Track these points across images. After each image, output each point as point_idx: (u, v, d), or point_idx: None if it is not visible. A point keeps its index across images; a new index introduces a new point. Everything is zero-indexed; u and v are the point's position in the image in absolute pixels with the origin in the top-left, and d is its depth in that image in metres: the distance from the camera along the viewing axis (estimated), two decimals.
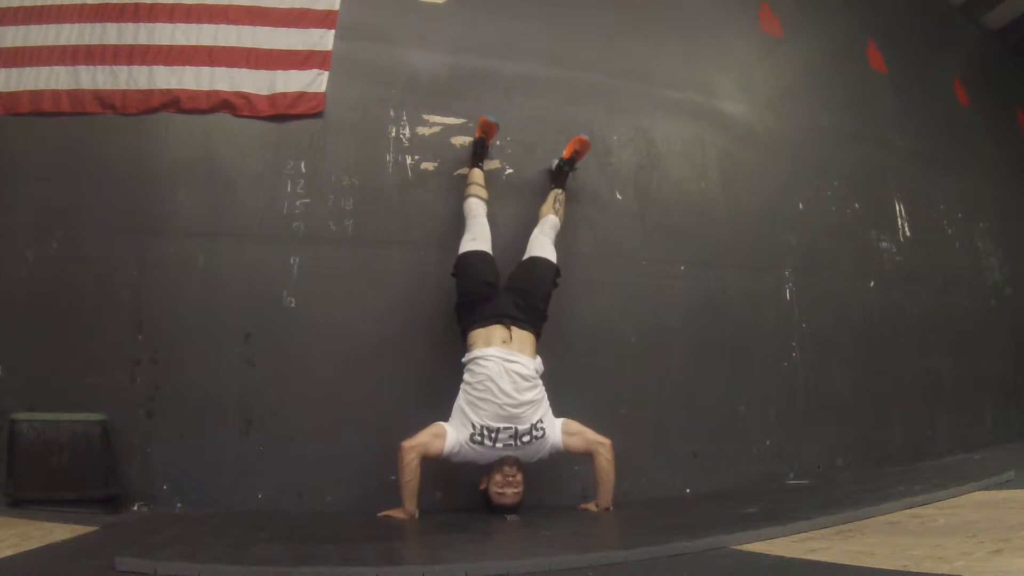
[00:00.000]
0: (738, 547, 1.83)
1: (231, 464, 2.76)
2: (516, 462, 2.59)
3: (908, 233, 4.37)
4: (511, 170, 3.31)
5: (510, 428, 2.55)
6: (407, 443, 2.50)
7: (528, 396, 2.60)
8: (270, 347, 2.88)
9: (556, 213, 3.14)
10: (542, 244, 3.04)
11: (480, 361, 2.62)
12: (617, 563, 1.70)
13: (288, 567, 1.67)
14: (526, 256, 3.02)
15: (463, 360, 2.69)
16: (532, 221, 3.16)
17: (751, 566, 1.67)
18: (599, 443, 2.64)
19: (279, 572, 1.65)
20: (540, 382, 2.68)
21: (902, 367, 4.12)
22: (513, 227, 3.18)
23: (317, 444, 2.83)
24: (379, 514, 2.55)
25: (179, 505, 2.69)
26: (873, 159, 4.35)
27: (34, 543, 1.89)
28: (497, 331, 2.72)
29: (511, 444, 2.55)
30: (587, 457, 2.68)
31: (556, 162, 3.29)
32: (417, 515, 2.53)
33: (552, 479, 2.94)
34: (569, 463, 2.91)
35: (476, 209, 3.05)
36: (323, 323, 2.94)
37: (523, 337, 2.74)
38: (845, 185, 4.16)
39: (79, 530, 2.11)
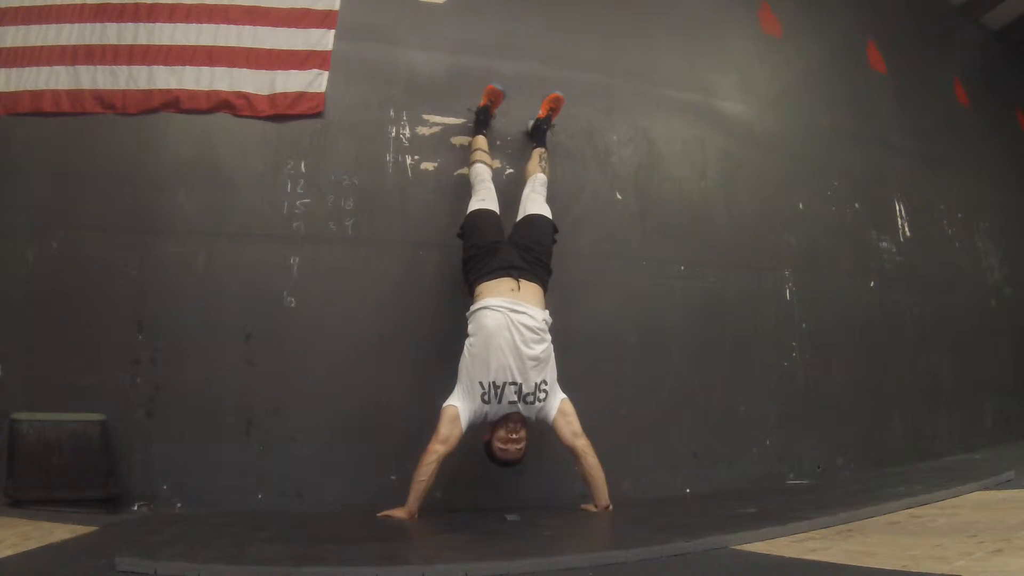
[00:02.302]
0: (738, 547, 1.83)
1: (231, 464, 2.76)
2: (520, 419, 2.56)
3: (908, 233, 4.38)
4: (511, 170, 3.31)
5: (515, 384, 2.53)
6: (434, 445, 2.48)
7: (535, 350, 2.57)
8: (270, 347, 2.88)
9: (543, 170, 3.15)
10: (535, 201, 3.04)
11: (485, 311, 2.59)
12: (617, 563, 1.70)
13: (288, 567, 1.67)
14: (521, 215, 3.02)
15: (468, 312, 2.66)
16: None
17: (751, 566, 1.67)
18: (580, 439, 2.59)
19: (279, 572, 1.65)
20: (548, 337, 2.65)
21: (902, 367, 4.12)
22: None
23: (317, 444, 2.83)
24: (379, 514, 2.55)
25: (179, 505, 2.69)
26: (873, 159, 4.35)
27: (34, 543, 1.89)
28: (505, 282, 2.70)
29: (515, 402, 2.54)
30: (571, 454, 2.64)
31: (532, 122, 3.31)
32: (417, 515, 2.52)
33: (552, 479, 2.95)
34: (569, 463, 2.90)
35: (483, 174, 3.06)
36: (323, 323, 2.94)
37: (531, 288, 2.72)
38: (845, 185, 4.16)
39: (79, 530, 2.11)
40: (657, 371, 3.37)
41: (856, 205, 4.18)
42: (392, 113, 3.21)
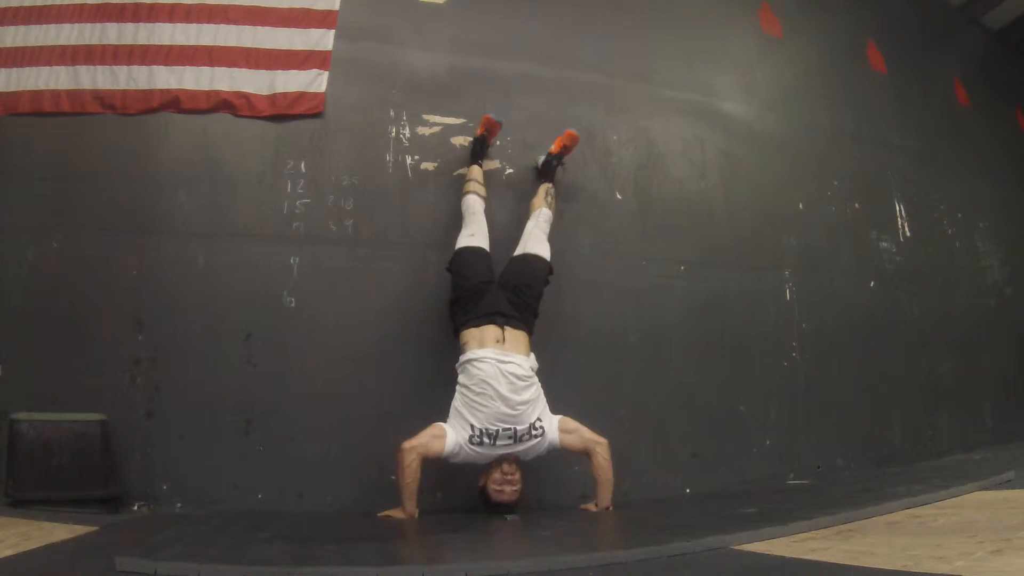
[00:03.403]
0: (738, 547, 1.83)
1: (231, 464, 2.76)
2: (515, 460, 2.59)
3: (908, 233, 4.38)
4: (511, 170, 3.31)
5: (509, 429, 2.55)
6: (407, 444, 2.50)
7: (525, 396, 2.60)
8: (270, 347, 2.88)
9: (549, 206, 3.13)
10: (537, 239, 3.03)
11: (475, 363, 2.62)
12: (617, 563, 1.70)
13: (288, 567, 1.67)
14: (519, 251, 3.01)
15: (457, 363, 2.68)
16: None
17: (751, 566, 1.67)
18: (596, 442, 2.64)
19: (279, 572, 1.65)
20: (536, 380, 2.67)
21: (902, 367, 4.12)
22: (513, 226, 3.17)
23: (317, 444, 2.83)
24: (379, 514, 2.55)
25: (179, 505, 2.69)
26: (873, 159, 4.35)
27: (34, 543, 1.89)
28: (490, 331, 2.70)
29: (510, 443, 2.55)
30: (584, 456, 2.67)
31: (543, 157, 3.28)
32: (417, 515, 2.52)
33: (552, 479, 2.95)
34: (569, 463, 2.91)
35: (475, 206, 3.04)
36: (323, 323, 2.94)
37: (516, 336, 2.73)
38: (845, 185, 4.16)
39: (79, 530, 2.11)
40: (657, 371, 3.37)
41: (856, 205, 4.18)
42: (392, 113, 3.21)
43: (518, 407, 2.57)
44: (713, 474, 3.34)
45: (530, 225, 3.08)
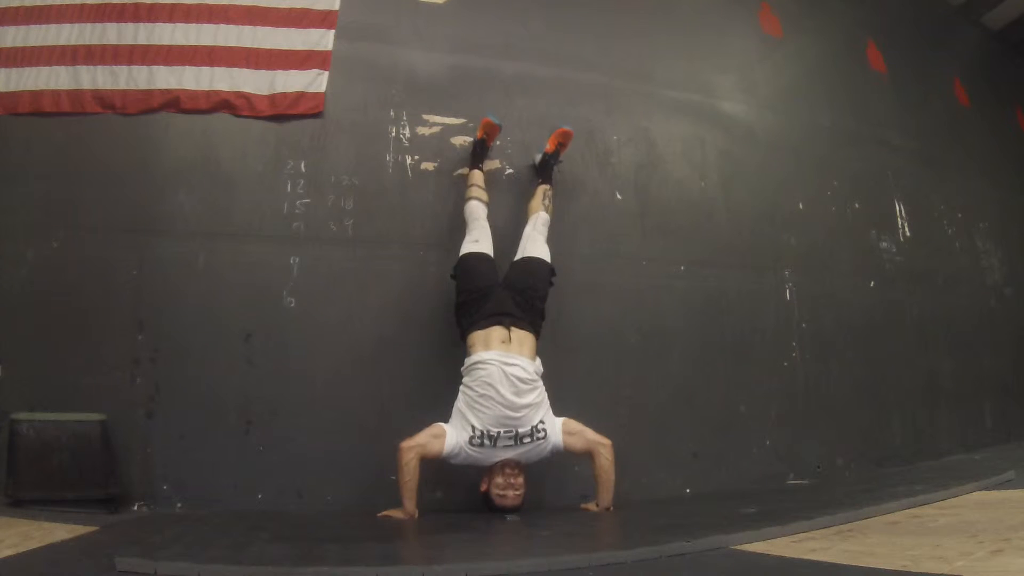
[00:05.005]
0: (738, 547, 1.83)
1: (231, 464, 2.76)
2: (517, 464, 2.59)
3: (908, 233, 4.38)
4: (511, 170, 3.31)
5: (510, 431, 2.54)
6: (406, 443, 2.50)
7: (528, 399, 2.59)
8: (270, 347, 2.88)
9: (546, 209, 3.12)
10: (536, 242, 3.02)
11: (480, 365, 2.61)
12: (617, 563, 1.70)
13: (288, 567, 1.67)
14: (519, 256, 3.00)
15: (463, 367, 2.68)
16: None
17: (751, 566, 1.67)
18: (599, 443, 2.63)
19: (279, 572, 1.65)
20: (540, 384, 2.67)
21: (902, 367, 4.12)
22: (513, 227, 3.17)
23: (317, 444, 2.83)
24: (379, 514, 2.55)
25: (179, 505, 2.69)
26: (873, 159, 4.35)
27: (34, 543, 1.89)
28: (496, 332, 2.70)
29: (511, 446, 2.55)
30: (587, 457, 2.67)
31: (540, 156, 3.26)
32: (417, 515, 2.52)
33: (552, 479, 2.95)
34: (569, 463, 2.91)
35: (477, 211, 3.03)
36: (323, 323, 2.94)
37: (522, 338, 2.72)
38: (845, 185, 4.16)
39: (79, 530, 2.11)
40: (657, 371, 3.37)
41: (856, 205, 4.18)
42: (392, 113, 3.21)
43: (520, 410, 2.56)
44: (713, 474, 3.34)
45: (528, 229, 3.07)
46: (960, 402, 4.33)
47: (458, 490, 2.82)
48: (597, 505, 2.68)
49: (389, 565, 1.74)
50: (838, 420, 3.77)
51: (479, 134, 3.16)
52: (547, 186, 3.19)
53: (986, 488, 2.58)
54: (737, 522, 2.19)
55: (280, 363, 2.87)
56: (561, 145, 3.23)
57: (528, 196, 3.22)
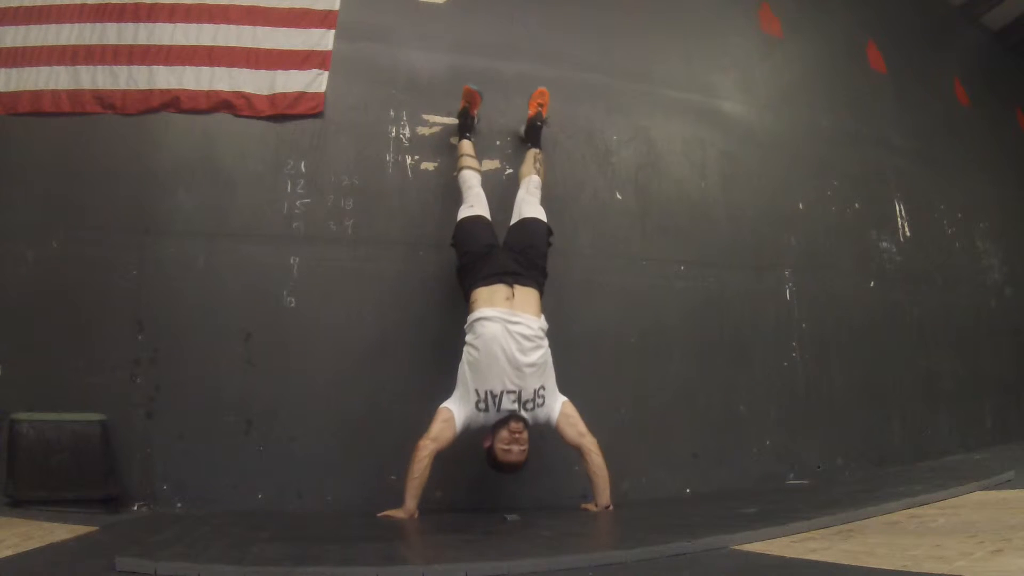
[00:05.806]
0: (738, 547, 1.83)
1: (231, 464, 2.76)
2: (522, 419, 2.55)
3: (908, 233, 4.38)
4: (511, 170, 3.31)
5: (514, 392, 2.53)
6: (424, 441, 2.48)
7: (532, 357, 2.57)
8: (270, 347, 2.88)
9: (538, 172, 3.12)
10: (530, 204, 3.02)
11: (483, 322, 2.60)
12: (617, 563, 1.70)
13: (288, 567, 1.67)
14: (516, 219, 3.01)
15: (466, 323, 2.66)
16: None
17: (751, 566, 1.67)
18: (585, 436, 2.61)
19: (279, 572, 1.64)
20: (545, 342, 2.65)
21: (902, 367, 4.12)
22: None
23: (317, 444, 2.83)
24: (379, 514, 2.54)
25: (179, 505, 2.69)
26: (873, 159, 4.35)
27: (34, 543, 1.89)
28: (500, 290, 2.68)
29: (514, 408, 2.54)
30: (577, 452, 2.65)
31: (525, 124, 3.28)
32: (417, 515, 2.52)
33: (552, 479, 2.95)
34: (569, 463, 2.91)
35: (471, 180, 3.04)
36: (323, 323, 2.94)
37: (526, 294, 2.70)
38: (845, 185, 4.16)
39: (79, 530, 2.11)
40: (657, 371, 3.37)
41: (856, 205, 4.18)
42: (392, 113, 3.21)
43: (525, 368, 2.55)
44: (713, 474, 3.34)
45: (521, 193, 3.08)
46: (960, 402, 4.33)
47: (458, 490, 2.82)
48: (596, 504, 2.68)
49: (389, 565, 1.74)
50: (838, 420, 3.77)
51: (462, 104, 3.18)
52: (536, 150, 3.20)
53: (986, 488, 2.58)
54: (737, 522, 2.19)
55: (280, 363, 2.88)
56: (541, 106, 3.25)
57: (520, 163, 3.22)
